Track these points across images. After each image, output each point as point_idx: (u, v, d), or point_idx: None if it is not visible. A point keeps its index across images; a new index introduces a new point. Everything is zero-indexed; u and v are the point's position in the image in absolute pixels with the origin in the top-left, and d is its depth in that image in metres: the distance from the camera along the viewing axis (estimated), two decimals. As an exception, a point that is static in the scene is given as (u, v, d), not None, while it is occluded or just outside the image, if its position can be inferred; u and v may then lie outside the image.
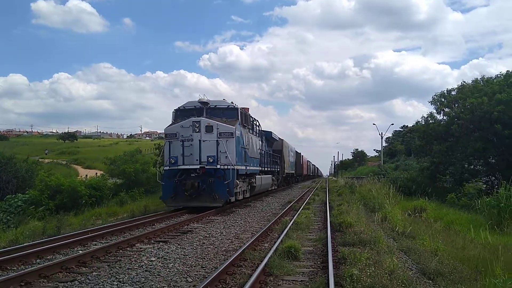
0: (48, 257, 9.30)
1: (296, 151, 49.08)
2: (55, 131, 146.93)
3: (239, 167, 18.95)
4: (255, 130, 23.56)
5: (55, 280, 7.51)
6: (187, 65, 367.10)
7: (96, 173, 36.90)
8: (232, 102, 19.93)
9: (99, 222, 16.54)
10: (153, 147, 48.65)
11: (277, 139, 32.81)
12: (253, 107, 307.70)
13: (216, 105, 19.02)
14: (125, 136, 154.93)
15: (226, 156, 17.64)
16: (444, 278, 7.43)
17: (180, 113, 19.07)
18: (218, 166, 17.40)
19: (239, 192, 19.88)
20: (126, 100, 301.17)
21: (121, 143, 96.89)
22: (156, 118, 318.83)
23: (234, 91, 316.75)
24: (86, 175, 34.26)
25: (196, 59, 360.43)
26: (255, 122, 23.75)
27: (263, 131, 26.86)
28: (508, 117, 26.69)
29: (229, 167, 17.71)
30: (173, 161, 17.62)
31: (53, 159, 60.37)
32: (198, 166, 17.35)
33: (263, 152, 25.78)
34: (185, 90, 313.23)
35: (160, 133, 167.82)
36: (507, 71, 31.58)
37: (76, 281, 7.40)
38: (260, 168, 24.54)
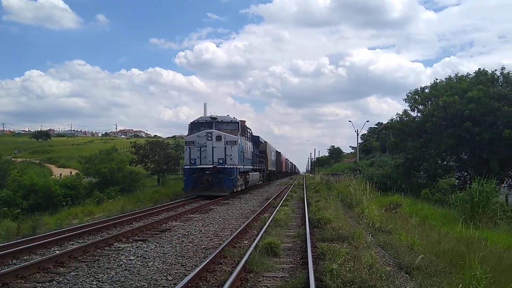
0: (25, 257, 9.13)
1: (276, 151, 53.84)
2: (27, 130, 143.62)
3: (239, 167, 24.73)
4: (248, 137, 29.44)
5: (32, 280, 7.38)
6: (163, 63, 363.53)
7: (71, 172, 36.42)
8: (234, 117, 25.82)
9: (75, 221, 16.32)
10: (129, 145, 48.30)
11: (263, 142, 38.47)
12: (230, 105, 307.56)
13: (222, 120, 24.89)
14: (100, 135, 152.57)
15: (231, 159, 23.32)
16: (421, 271, 7.59)
17: (195, 126, 24.86)
18: (226, 166, 23.15)
19: (239, 185, 25.59)
20: (100, 98, 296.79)
21: (96, 142, 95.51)
22: (132, 116, 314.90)
23: (211, 89, 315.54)
24: (60, 174, 33.76)
25: (171, 57, 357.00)
26: (249, 131, 29.97)
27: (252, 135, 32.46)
28: (479, 114, 27.34)
29: (233, 166, 23.50)
30: (192, 162, 23.30)
31: (26, 158, 59.09)
32: (211, 166, 23.05)
33: (253, 154, 31.81)
34: (161, 88, 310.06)
35: (136, 130, 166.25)
36: (479, 69, 32.35)
37: (54, 281, 7.29)
38: (252, 167, 30.71)
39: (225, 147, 23.34)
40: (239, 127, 25.34)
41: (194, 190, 23.31)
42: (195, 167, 23.20)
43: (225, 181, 23.07)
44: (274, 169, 49.48)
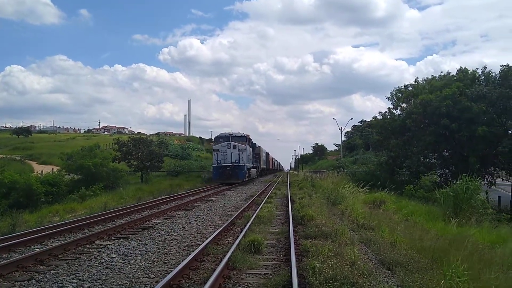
0: (3, 255, 8.97)
1: (266, 152, 66.13)
2: (8, 126, 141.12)
3: (247, 165, 37.40)
4: (250, 145, 41.84)
5: (11, 279, 7.23)
6: (147, 59, 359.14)
7: (52, 168, 35.84)
8: (243, 133, 38.62)
9: (56, 219, 16.08)
10: (112, 142, 47.80)
11: (257, 146, 51.44)
12: (214, 102, 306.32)
13: (235, 135, 37.22)
14: (82, 131, 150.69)
15: (242, 160, 35.87)
16: (403, 268, 7.64)
17: (218, 138, 38.13)
18: (239, 165, 35.53)
19: (246, 176, 38.27)
20: (83, 94, 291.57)
21: (78, 138, 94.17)
22: (115, 113, 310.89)
23: (195, 85, 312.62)
24: (42, 171, 33.24)
25: (155, 53, 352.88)
26: (251, 140, 42.48)
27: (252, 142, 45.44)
28: (456, 111, 27.68)
29: (243, 165, 35.95)
30: (218, 162, 35.61)
31: (6, 155, 58.08)
32: (230, 164, 35.26)
33: (253, 156, 44.53)
34: (144, 84, 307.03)
35: (119, 127, 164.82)
36: (460, 67, 32.78)
37: (33, 280, 7.16)
38: (253, 165, 43.85)
39: (238, 152, 35.82)
40: (246, 139, 38.18)
41: (220, 179, 35.49)
42: (220, 165, 35.55)
43: (239, 174, 35.69)
44: (265, 166, 63.57)
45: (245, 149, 36.42)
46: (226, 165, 35.19)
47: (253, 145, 44.61)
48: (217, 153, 35.99)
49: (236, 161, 35.40)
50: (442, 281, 6.30)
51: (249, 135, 40.51)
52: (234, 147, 35.65)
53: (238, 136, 37.11)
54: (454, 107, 27.67)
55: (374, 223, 12.54)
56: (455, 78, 31.23)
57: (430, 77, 34.89)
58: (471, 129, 27.54)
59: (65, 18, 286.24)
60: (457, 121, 27.74)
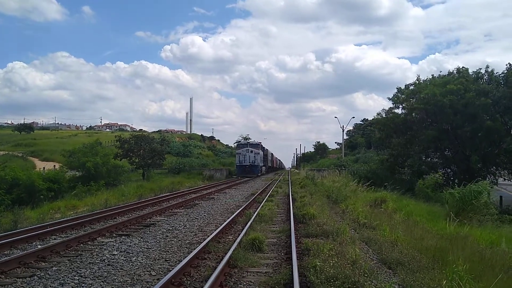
0: (5, 252, 8.99)
1: (271, 153, 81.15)
2: (10, 122, 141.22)
3: (260, 164, 52.20)
4: (261, 149, 55.30)
5: (13, 276, 7.25)
6: (149, 56, 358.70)
7: (54, 165, 35.89)
8: (258, 141, 54.58)
9: (58, 216, 16.09)
10: (114, 139, 47.85)
11: (265, 149, 65.80)
12: (216, 99, 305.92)
13: (252, 143, 53.61)
14: (84, 128, 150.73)
15: (257, 160, 50.38)
16: (404, 267, 7.63)
17: (239, 145, 54.03)
18: (255, 164, 50.12)
19: (260, 172, 52.15)
20: (85, 90, 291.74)
21: (80, 135, 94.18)
22: (117, 110, 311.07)
23: (197, 83, 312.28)
24: (44, 168, 33.29)
25: (157, 50, 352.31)
26: (262, 146, 56.33)
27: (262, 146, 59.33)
28: (460, 105, 27.57)
29: (257, 164, 50.77)
30: (241, 161, 50.24)
31: (9, 151, 58.15)
32: (249, 164, 49.82)
33: (264, 157, 58.49)
34: (146, 81, 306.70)
35: (121, 124, 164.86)
36: (462, 67, 32.74)
37: (35, 277, 7.17)
38: (263, 164, 57.47)
39: (254, 155, 50.54)
40: (259, 146, 53.97)
41: (241, 174, 49.37)
42: (242, 164, 50.46)
43: (255, 170, 50.55)
44: (270, 165, 78.83)
45: (258, 153, 51.92)
46: (246, 164, 50.35)
47: (263, 149, 58.92)
48: (239, 156, 51.16)
49: (253, 162, 50.42)
50: (444, 281, 6.29)
51: (261, 142, 56.85)
52: (251, 151, 50.66)
53: (253, 144, 53.45)
54: (457, 101, 27.53)
55: (375, 223, 12.53)
56: (456, 77, 31.13)
57: (430, 77, 34.84)
58: (474, 126, 27.37)
59: (68, 14, 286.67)
60: (461, 115, 27.59)
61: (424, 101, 29.62)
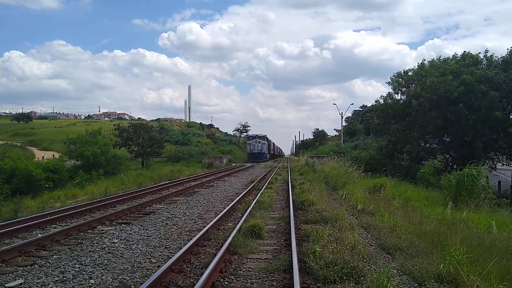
0: (6, 241, 9.04)
1: (273, 143, 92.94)
2: (8, 112, 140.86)
3: (265, 152, 69.68)
4: (267, 140, 70.99)
5: (14, 264, 7.29)
6: (146, 44, 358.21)
7: (53, 155, 35.84)
8: (264, 134, 72.25)
9: (58, 205, 16.13)
10: (113, 128, 47.71)
11: (269, 139, 78.26)
12: (214, 87, 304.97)
13: (259, 135, 69.70)
14: (82, 117, 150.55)
15: (263, 149, 67.75)
16: (402, 252, 7.69)
17: (249, 137, 71.88)
18: (262, 152, 67.40)
19: (265, 158, 69.00)
20: (83, 79, 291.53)
21: (78, 124, 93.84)
22: (115, 98, 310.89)
23: (195, 71, 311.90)
24: (43, 157, 33.25)
25: (155, 38, 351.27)
26: (267, 137, 72.82)
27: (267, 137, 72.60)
28: (468, 98, 27.43)
29: (264, 152, 68.32)
30: (251, 150, 66.97)
31: (7, 141, 58.04)
32: (257, 152, 66.69)
33: (268, 146, 73.31)
34: (144, 69, 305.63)
35: (119, 113, 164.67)
36: (464, 51, 32.49)
37: (36, 265, 7.22)
38: (268, 152, 73.10)
39: (261, 145, 66.07)
40: (265, 138, 69.13)
41: (252, 159, 62.91)
42: (252, 152, 65.51)
43: (262, 157, 65.52)
44: (273, 152, 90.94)
45: (265, 143, 67.38)
46: (255, 152, 65.65)
47: (267, 140, 72.57)
48: (250, 145, 66.93)
49: (260, 150, 65.89)
50: (442, 265, 6.34)
51: (266, 135, 72.36)
52: (259, 142, 66.21)
53: (261, 136, 68.64)
54: (466, 93, 27.32)
55: (373, 208, 12.59)
56: (464, 62, 30.82)
57: (430, 60, 34.50)
58: (478, 115, 27.23)
59: (64, 2, 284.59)
60: (468, 107, 27.47)
61: (430, 88, 29.09)
